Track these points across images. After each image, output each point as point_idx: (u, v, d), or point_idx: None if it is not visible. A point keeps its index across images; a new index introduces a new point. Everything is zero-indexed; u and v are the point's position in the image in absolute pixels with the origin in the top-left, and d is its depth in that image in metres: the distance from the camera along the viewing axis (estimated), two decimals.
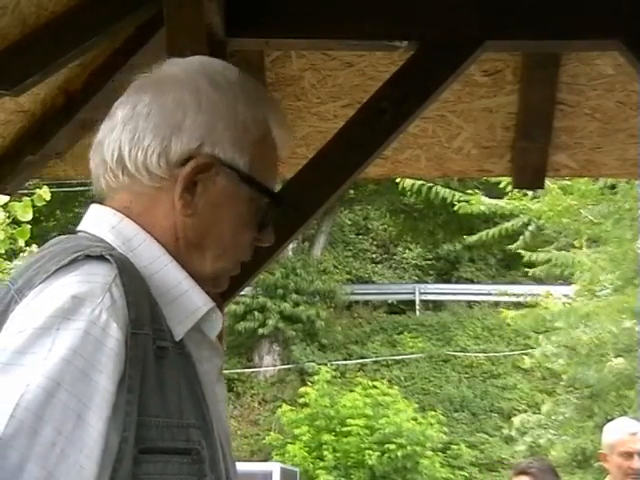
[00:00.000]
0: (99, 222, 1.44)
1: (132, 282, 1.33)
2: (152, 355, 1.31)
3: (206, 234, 1.44)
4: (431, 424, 16.80)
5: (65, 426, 1.22)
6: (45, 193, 7.97)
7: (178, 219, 1.43)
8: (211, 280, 1.47)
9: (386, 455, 15.91)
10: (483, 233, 12.40)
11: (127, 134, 1.44)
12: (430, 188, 11.42)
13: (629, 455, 4.51)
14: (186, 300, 1.41)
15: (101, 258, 1.32)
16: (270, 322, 20.56)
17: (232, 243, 1.46)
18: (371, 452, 15.88)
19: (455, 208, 11.81)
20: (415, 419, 16.57)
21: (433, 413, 17.36)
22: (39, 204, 7.96)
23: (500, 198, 11.80)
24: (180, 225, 1.43)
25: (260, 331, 20.64)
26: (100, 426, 1.24)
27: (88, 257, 1.32)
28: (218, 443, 1.39)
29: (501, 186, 10.54)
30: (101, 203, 1.47)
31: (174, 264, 1.41)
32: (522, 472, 4.79)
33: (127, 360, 1.28)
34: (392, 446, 15.83)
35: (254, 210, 1.47)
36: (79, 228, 1.46)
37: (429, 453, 16.48)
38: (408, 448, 15.92)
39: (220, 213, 1.44)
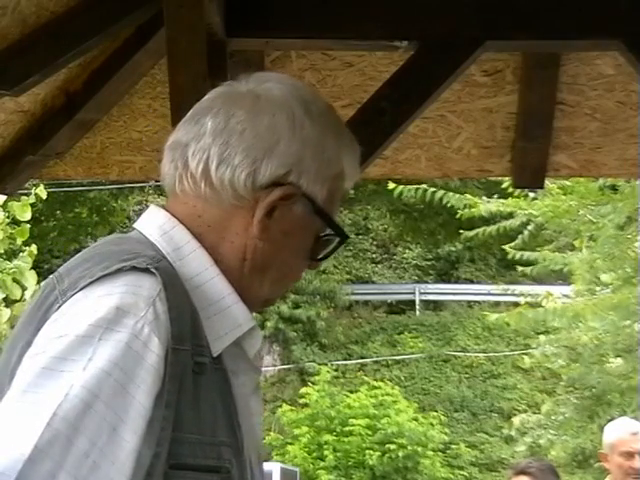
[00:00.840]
0: (153, 225, 1.43)
1: (176, 297, 1.32)
2: (190, 371, 1.31)
3: (272, 260, 1.43)
4: (432, 424, 16.80)
5: (100, 438, 1.21)
6: (42, 192, 7.97)
7: (250, 241, 1.42)
8: (263, 302, 1.49)
9: (387, 455, 15.91)
10: (480, 230, 12.38)
11: (217, 148, 1.42)
12: (425, 191, 11.38)
13: (630, 455, 4.51)
14: (228, 316, 1.40)
15: (147, 270, 1.31)
16: (270, 323, 20.56)
17: (292, 271, 1.48)
18: (372, 452, 15.88)
19: (457, 216, 11.78)
20: (416, 419, 16.58)
21: (434, 414, 17.36)
22: (33, 201, 7.95)
23: (501, 196, 11.80)
24: (250, 247, 1.42)
25: (263, 331, 20.64)
26: (134, 441, 1.23)
27: (134, 268, 1.31)
28: (248, 462, 1.38)
29: (504, 186, 10.52)
30: (163, 206, 1.47)
31: (221, 277, 1.40)
32: (522, 472, 4.78)
33: (166, 375, 1.27)
34: (393, 446, 15.84)
35: (318, 244, 1.47)
36: (134, 225, 1.46)
37: (429, 453, 16.48)
38: (409, 448, 15.93)
39: (289, 241, 1.44)
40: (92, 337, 1.24)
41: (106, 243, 1.42)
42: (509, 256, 12.06)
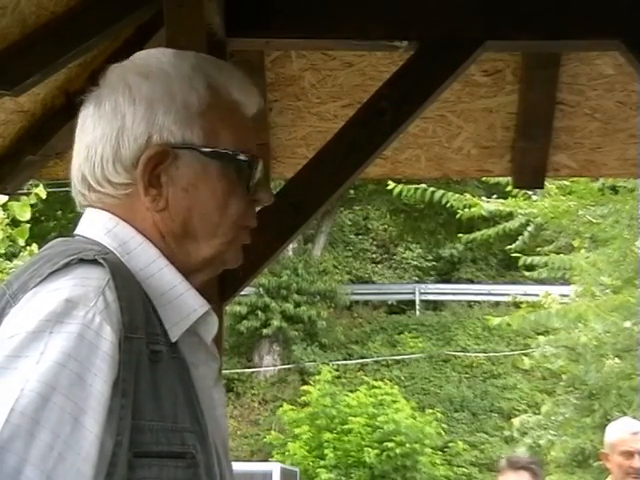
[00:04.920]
0: (95, 226, 1.44)
1: (125, 286, 1.32)
2: (146, 359, 1.31)
3: (189, 220, 1.42)
4: (429, 422, 16.79)
5: (62, 430, 1.21)
6: (41, 192, 7.96)
7: (155, 216, 1.42)
8: (218, 260, 1.46)
9: (385, 453, 15.92)
10: (479, 233, 12.40)
11: (82, 153, 1.44)
12: (425, 191, 11.38)
13: (630, 454, 4.50)
14: (182, 303, 1.40)
15: (94, 262, 1.32)
16: (273, 322, 20.56)
17: (222, 217, 1.44)
18: (371, 450, 15.89)
19: (457, 216, 11.78)
20: (414, 417, 16.57)
21: (431, 411, 17.34)
22: (34, 202, 7.95)
23: (500, 196, 11.80)
24: (159, 221, 1.42)
25: (264, 331, 20.65)
26: (96, 430, 1.24)
27: (82, 261, 1.32)
28: (213, 448, 1.39)
29: (508, 190, 10.52)
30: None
31: (170, 267, 1.41)
32: (523, 468, 4.79)
33: (121, 364, 1.28)
34: (391, 444, 15.84)
35: (234, 176, 1.44)
36: (76, 232, 1.46)
37: (428, 450, 16.49)
38: (407, 446, 15.94)
39: (196, 194, 1.42)
40: (43, 332, 1.25)
41: (51, 246, 1.41)
42: (517, 260, 12.01)
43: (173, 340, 1.38)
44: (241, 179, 1.45)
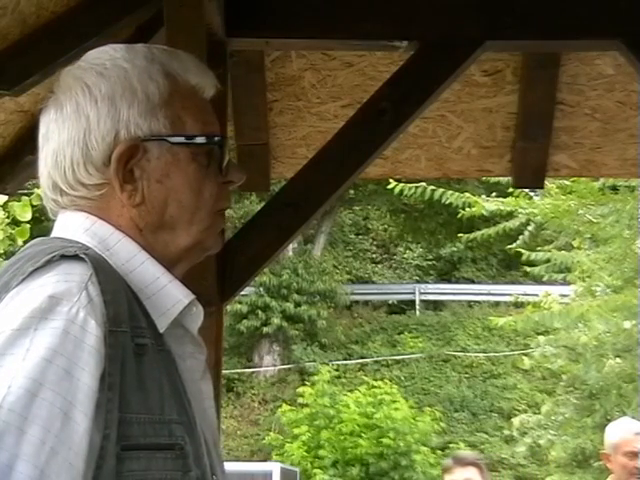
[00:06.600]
0: (72, 226, 1.43)
1: (108, 280, 1.33)
2: (131, 352, 1.31)
3: (164, 210, 1.43)
4: (427, 421, 16.79)
5: (53, 424, 1.22)
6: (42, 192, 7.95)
7: (132, 212, 1.42)
8: (198, 248, 1.47)
9: (384, 452, 15.92)
10: (479, 233, 12.40)
11: (50, 159, 1.44)
12: (425, 189, 11.38)
13: (634, 455, 4.48)
14: (166, 294, 1.41)
15: (76, 257, 1.32)
16: (273, 322, 20.56)
17: (197, 203, 1.44)
18: (369, 449, 15.89)
19: (458, 216, 11.78)
20: (413, 417, 16.57)
21: (429, 409, 17.32)
22: (36, 203, 7.95)
23: (501, 196, 11.80)
24: (136, 216, 1.42)
25: (264, 330, 20.64)
26: (85, 424, 1.24)
27: (63, 257, 1.32)
28: (202, 439, 1.39)
29: (509, 190, 10.52)
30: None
31: (151, 260, 1.41)
32: (471, 464, 4.80)
33: (106, 357, 1.28)
34: (389, 443, 15.85)
35: (204, 161, 1.45)
36: (53, 236, 1.45)
37: (424, 449, 16.48)
38: (405, 445, 15.94)
39: (170, 184, 1.42)
40: (27, 329, 1.25)
41: (31, 246, 1.41)
42: (518, 259, 12.01)
43: (161, 331, 1.38)
44: (212, 162, 1.46)
